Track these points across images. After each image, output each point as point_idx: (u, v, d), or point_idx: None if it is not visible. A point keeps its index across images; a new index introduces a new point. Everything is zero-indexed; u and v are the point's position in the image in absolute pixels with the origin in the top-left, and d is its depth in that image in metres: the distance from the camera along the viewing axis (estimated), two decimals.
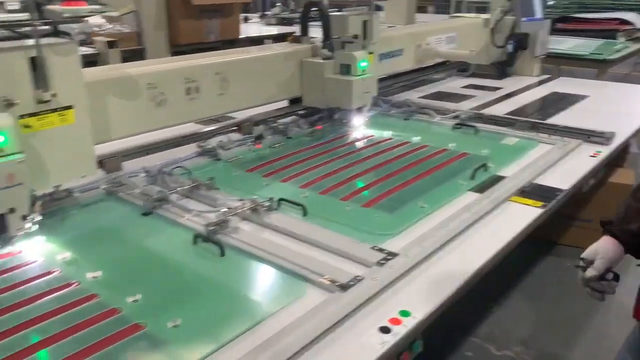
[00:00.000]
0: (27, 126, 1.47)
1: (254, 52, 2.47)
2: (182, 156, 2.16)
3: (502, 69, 3.76)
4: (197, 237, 1.52)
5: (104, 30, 1.67)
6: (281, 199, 1.75)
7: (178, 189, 1.81)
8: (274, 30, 5.85)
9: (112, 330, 1.17)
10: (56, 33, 1.54)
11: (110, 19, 1.86)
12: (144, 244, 1.57)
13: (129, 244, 1.57)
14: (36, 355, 1.11)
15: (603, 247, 1.31)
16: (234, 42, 4.83)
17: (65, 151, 1.57)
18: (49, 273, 1.40)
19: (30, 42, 1.43)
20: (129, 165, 2.05)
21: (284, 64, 2.44)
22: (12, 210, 1.35)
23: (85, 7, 1.65)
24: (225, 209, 1.65)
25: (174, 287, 1.35)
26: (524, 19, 3.36)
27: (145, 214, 1.72)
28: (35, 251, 1.49)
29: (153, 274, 1.43)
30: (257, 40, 5.01)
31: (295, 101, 2.67)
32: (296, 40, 2.58)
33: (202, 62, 2.14)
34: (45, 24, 1.47)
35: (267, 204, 1.70)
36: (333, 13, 2.50)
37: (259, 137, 2.39)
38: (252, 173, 2.07)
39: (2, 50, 1.41)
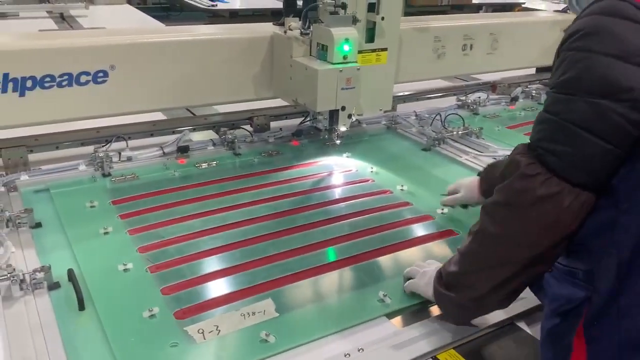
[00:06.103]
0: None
1: (519, 17, 2.58)
2: (443, 107, 2.39)
3: None
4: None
5: None
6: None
7: (454, 132, 2.04)
8: None
9: (429, 231, 1.45)
10: None
11: None
12: (432, 172, 1.83)
13: (420, 170, 1.83)
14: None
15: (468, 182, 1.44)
16: (463, 7, 4.96)
17: (375, 86, 1.87)
18: (365, 180, 1.73)
19: None
20: (401, 108, 2.35)
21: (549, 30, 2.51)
22: (343, 108, 1.66)
23: None
24: None
25: None
26: None
27: (425, 150, 1.99)
28: (349, 162, 1.85)
29: None
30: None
31: (544, 70, 2.74)
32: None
33: (479, 22, 2.31)
34: None
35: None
36: None
37: (514, 99, 2.53)
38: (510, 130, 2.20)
39: None
